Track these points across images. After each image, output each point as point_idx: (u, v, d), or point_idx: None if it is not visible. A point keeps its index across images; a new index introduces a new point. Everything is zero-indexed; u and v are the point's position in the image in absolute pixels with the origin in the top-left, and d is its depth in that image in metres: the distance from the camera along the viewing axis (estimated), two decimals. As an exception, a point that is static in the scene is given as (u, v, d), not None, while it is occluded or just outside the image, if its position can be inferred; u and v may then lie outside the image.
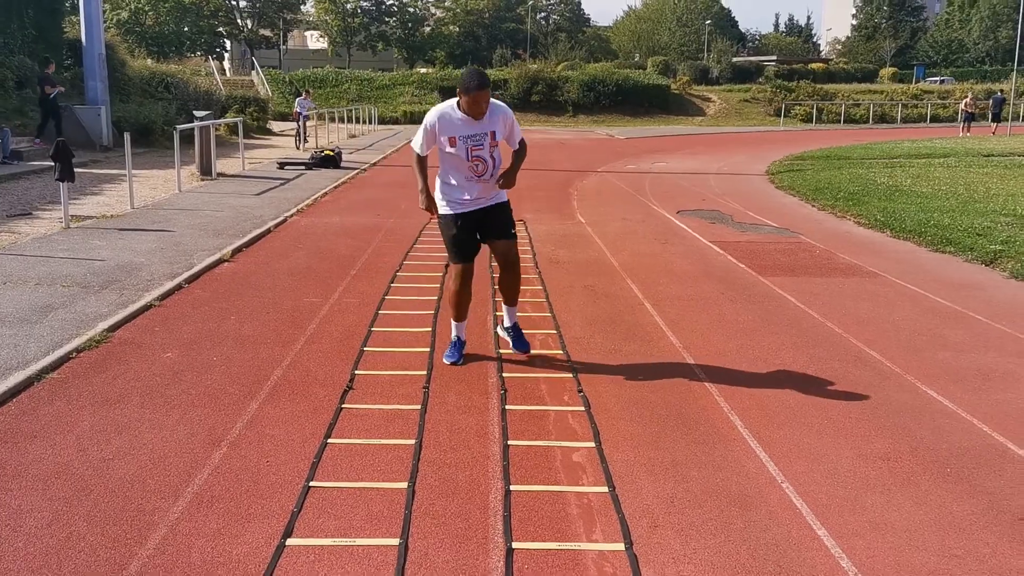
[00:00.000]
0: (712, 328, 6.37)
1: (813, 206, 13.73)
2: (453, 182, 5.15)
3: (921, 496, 3.70)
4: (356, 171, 17.86)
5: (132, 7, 61.62)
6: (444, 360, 5.33)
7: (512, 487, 3.71)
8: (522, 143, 5.33)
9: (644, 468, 3.94)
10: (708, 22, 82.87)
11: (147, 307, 6.47)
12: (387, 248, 9.33)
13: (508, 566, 3.09)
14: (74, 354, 5.31)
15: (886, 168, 19.01)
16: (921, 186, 15.19)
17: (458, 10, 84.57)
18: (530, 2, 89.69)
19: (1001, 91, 42.71)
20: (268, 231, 10.17)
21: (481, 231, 5.24)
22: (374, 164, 20.08)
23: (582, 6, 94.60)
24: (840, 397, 4.92)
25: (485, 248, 5.43)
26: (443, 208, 5.21)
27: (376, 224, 11.03)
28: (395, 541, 3.25)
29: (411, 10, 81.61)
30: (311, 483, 3.71)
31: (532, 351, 5.52)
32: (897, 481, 3.85)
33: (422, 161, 5.24)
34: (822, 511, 3.55)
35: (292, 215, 11.55)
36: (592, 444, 4.20)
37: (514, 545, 3.23)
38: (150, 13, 62.44)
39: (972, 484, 3.83)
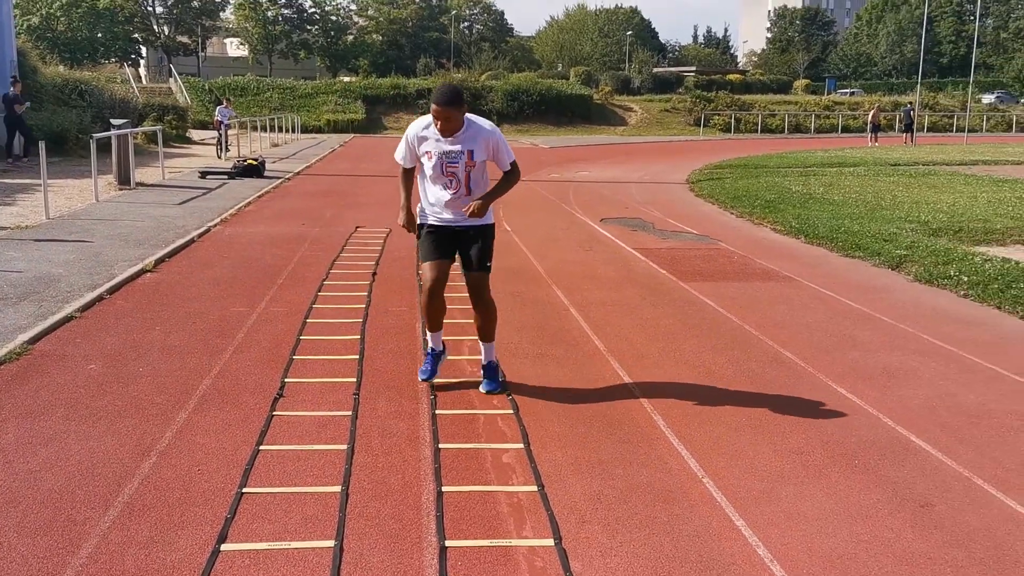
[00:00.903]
0: (635, 332, 6.56)
1: (731, 213, 14.15)
2: (427, 195, 5.00)
3: (831, 487, 3.92)
4: (280, 180, 17.71)
5: (43, 12, 59.81)
6: (419, 376, 5.17)
7: (444, 488, 3.80)
8: (514, 165, 5.03)
9: (571, 467, 4.08)
10: (629, 33, 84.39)
11: (68, 319, 6.37)
12: (312, 257, 9.32)
13: (442, 564, 3.18)
14: (-7, 367, 5.22)
15: (800, 177, 19.67)
16: (833, 194, 15.78)
17: (381, 19, 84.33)
18: (453, 12, 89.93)
19: (909, 103, 44.48)
20: (191, 241, 10.05)
21: (460, 251, 5.05)
22: (298, 173, 19.93)
23: (505, 16, 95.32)
24: (757, 396, 5.15)
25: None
26: (420, 217, 5.08)
27: (301, 234, 10.99)
28: (330, 543, 3.31)
29: (333, 18, 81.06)
30: (244, 489, 3.74)
31: (450, 356, 5.52)
32: (809, 474, 4.06)
33: (407, 174, 5.10)
34: (740, 503, 3.73)
35: (216, 225, 11.42)
36: (521, 445, 4.32)
37: (447, 543, 3.33)
38: (62, 19, 60.64)
39: (878, 475, 4.06)
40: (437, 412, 4.73)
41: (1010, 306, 7.39)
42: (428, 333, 5.20)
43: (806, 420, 4.76)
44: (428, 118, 4.84)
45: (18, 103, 18.34)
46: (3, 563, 3.09)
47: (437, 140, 4.82)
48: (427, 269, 4.98)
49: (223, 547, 3.26)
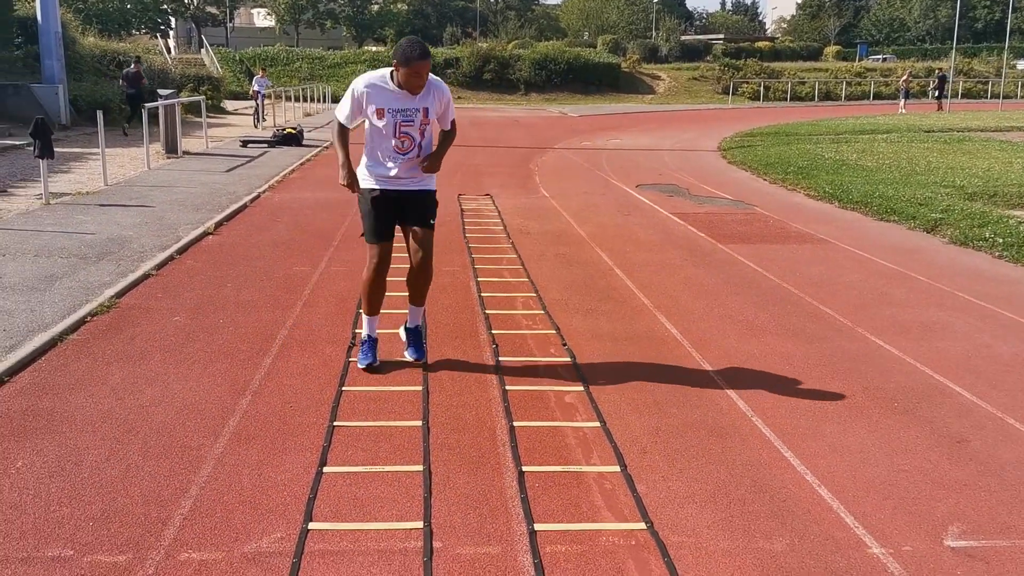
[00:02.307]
0: (679, 290, 6.88)
1: (764, 180, 14.35)
2: (377, 156, 4.72)
3: (872, 425, 4.24)
4: (319, 149, 18.08)
5: (74, -17, 60.29)
6: (358, 364, 4.88)
7: (515, 423, 4.17)
8: (453, 124, 4.86)
9: (630, 406, 4.43)
10: (656, 1, 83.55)
11: (146, 276, 6.79)
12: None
13: (522, 485, 3.55)
14: (88, 318, 5.64)
15: (832, 144, 19.76)
16: (866, 160, 15.91)
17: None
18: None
19: (940, 69, 43.97)
20: (244, 206, 10.45)
21: (400, 216, 4.81)
22: (334, 146, 20.25)
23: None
24: (799, 347, 5.46)
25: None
26: (363, 181, 4.78)
27: (348, 199, 11.33)
28: (419, 467, 3.69)
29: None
30: (335, 423, 4.12)
31: (514, 310, 5.89)
32: (852, 414, 4.39)
33: (344, 132, 4.72)
34: (787, 438, 4.07)
35: (264, 191, 11.82)
36: (581, 388, 4.67)
37: (524, 468, 3.69)
38: (93, -11, 61.07)
39: (916, 415, 4.38)
40: (500, 359, 5.09)
41: (1043, 266, 7.62)
42: (365, 318, 4.93)
43: (846, 368, 5.07)
44: (376, 74, 4.60)
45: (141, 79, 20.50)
46: (134, 481, 3.50)
47: (393, 96, 4.54)
48: (373, 250, 4.77)
49: (325, 469, 3.64)
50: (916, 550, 3.11)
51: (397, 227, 4.88)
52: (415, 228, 4.79)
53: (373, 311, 4.93)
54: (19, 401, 4.30)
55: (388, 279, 4.92)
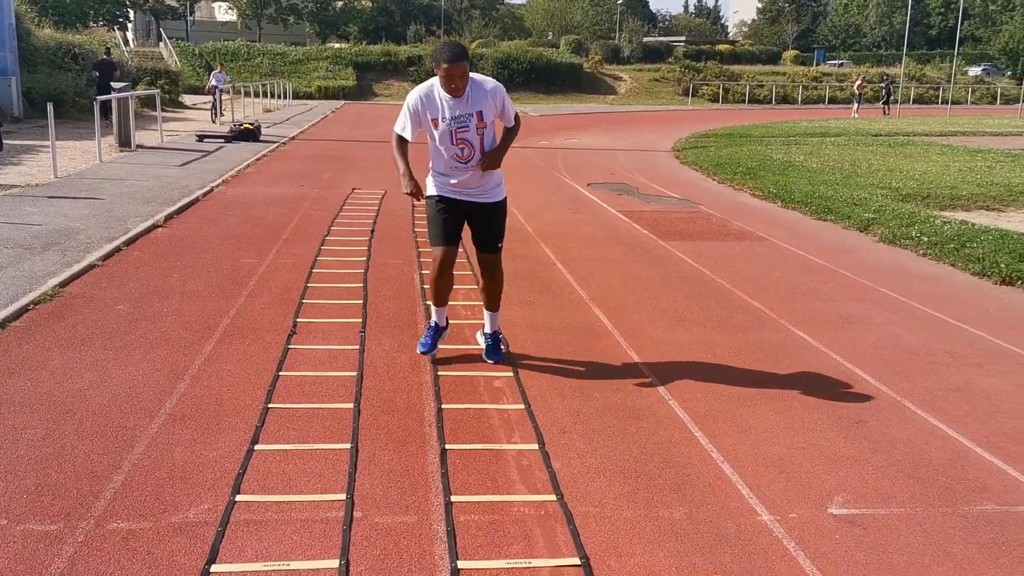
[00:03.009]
0: (616, 283, 7.12)
1: (714, 180, 14.69)
2: (440, 167, 4.76)
3: (780, 408, 4.51)
4: (276, 144, 18.13)
5: (30, -26, 59.33)
6: (418, 349, 5.03)
7: (443, 405, 4.37)
8: (517, 119, 4.85)
9: (555, 391, 4.65)
10: (620, 2, 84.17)
11: (91, 266, 6.88)
12: (314, 216, 9.82)
13: (443, 461, 3.75)
14: (31, 306, 5.74)
15: (783, 145, 20.20)
16: (812, 162, 16.33)
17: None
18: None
19: (885, 75, 44.83)
20: (196, 200, 10.53)
21: (472, 230, 4.91)
22: (293, 138, 20.33)
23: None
24: (722, 336, 5.72)
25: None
26: (430, 189, 4.84)
27: (301, 194, 11.48)
28: (347, 446, 3.87)
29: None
30: (269, 405, 4.30)
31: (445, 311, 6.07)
32: (763, 398, 4.65)
33: (403, 144, 4.74)
34: (700, 420, 4.31)
35: (218, 185, 11.90)
36: (510, 374, 4.88)
37: (447, 446, 3.90)
38: (49, -19, 60.19)
39: (823, 400, 4.65)
40: (437, 347, 5.28)
41: (963, 263, 7.98)
42: (434, 307, 5.03)
43: (764, 356, 5.34)
44: (427, 84, 4.63)
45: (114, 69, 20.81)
46: (68, 458, 3.65)
47: (444, 104, 4.55)
48: (438, 252, 4.80)
49: (256, 447, 3.82)
50: (801, 517, 3.36)
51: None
52: (483, 255, 4.95)
53: (441, 303, 4.99)
54: (-40, 384, 4.42)
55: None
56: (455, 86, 4.45)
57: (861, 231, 9.80)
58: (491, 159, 4.70)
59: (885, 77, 42.81)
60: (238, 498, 3.36)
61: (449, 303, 5.15)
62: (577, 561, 3.02)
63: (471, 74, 4.55)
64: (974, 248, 8.31)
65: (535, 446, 3.95)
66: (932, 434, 4.22)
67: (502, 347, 5.14)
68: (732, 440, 4.08)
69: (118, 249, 7.56)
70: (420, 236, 8.81)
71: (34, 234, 7.87)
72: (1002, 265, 7.64)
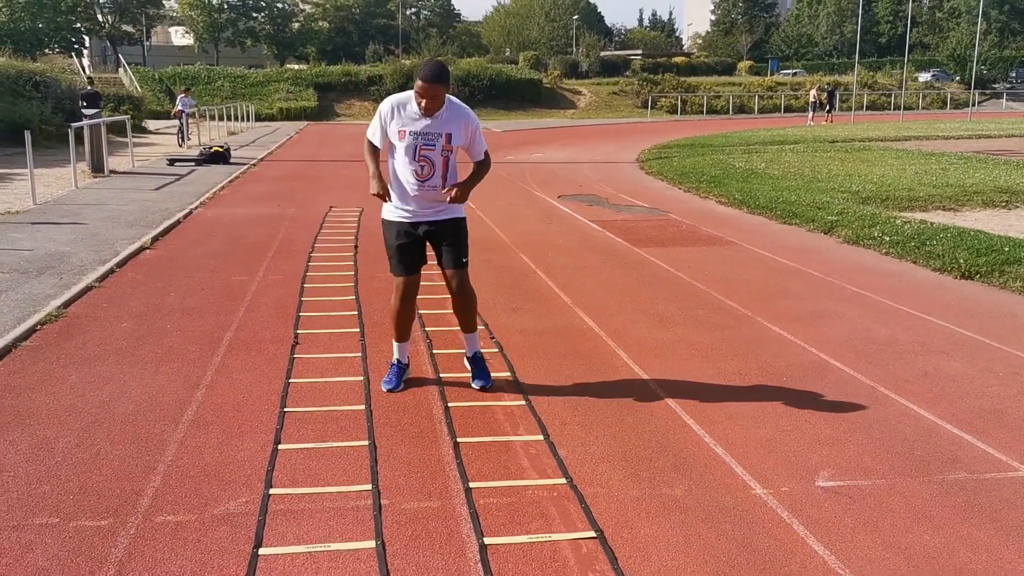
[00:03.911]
0: (596, 288, 7.44)
1: (679, 189, 15.12)
2: (398, 183, 4.67)
3: (763, 395, 4.83)
4: (246, 166, 18.27)
5: (-18, 2, 58.85)
6: (382, 387, 4.86)
7: (450, 404, 4.64)
8: (486, 156, 4.83)
9: (552, 387, 4.94)
10: (576, 17, 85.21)
11: (89, 288, 7.06)
12: (295, 234, 10.04)
13: (457, 454, 4.02)
14: (38, 327, 5.92)
15: (744, 154, 20.73)
16: (773, 169, 16.84)
17: (327, 5, 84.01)
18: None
19: (829, 84, 45.85)
20: (178, 222, 10.70)
21: (434, 249, 4.80)
22: (262, 159, 20.48)
23: (452, 2, 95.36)
24: (702, 334, 6.05)
25: None
26: (387, 212, 4.79)
27: (279, 213, 11.68)
28: (365, 443, 4.13)
29: (280, 5, 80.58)
30: (285, 409, 4.54)
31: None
32: (746, 388, 4.97)
33: (374, 149, 4.72)
34: (690, 409, 4.62)
35: (196, 207, 12.06)
36: (508, 374, 5.16)
37: (459, 440, 4.17)
38: (3, 9, 59.70)
39: (802, 387, 4.98)
40: (435, 351, 5.56)
41: (924, 260, 8.42)
42: (395, 344, 4.92)
43: (744, 350, 5.67)
44: (404, 94, 4.58)
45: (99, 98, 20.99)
46: (104, 463, 3.86)
47: (414, 118, 4.52)
48: (399, 284, 4.78)
49: (280, 447, 4.06)
50: (792, 490, 3.68)
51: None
52: (447, 271, 4.77)
53: (401, 338, 4.90)
54: (-16, 400, 4.61)
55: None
56: (425, 105, 4.42)
57: (825, 233, 10.23)
58: (461, 191, 4.60)
59: (827, 86, 43.79)
60: (272, 491, 3.60)
61: (437, 312, 5.40)
62: (593, 534, 3.30)
63: (453, 99, 4.59)
64: (934, 246, 8.75)
65: (540, 437, 4.23)
66: (905, 414, 4.56)
67: (487, 369, 5.01)
68: (722, 426, 4.39)
69: (112, 271, 7.73)
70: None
71: (27, 259, 8.01)
72: (961, 260, 8.07)
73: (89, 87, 22.97)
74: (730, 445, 4.14)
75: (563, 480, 3.75)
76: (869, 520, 3.42)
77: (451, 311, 5.01)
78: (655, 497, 3.61)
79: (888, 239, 9.25)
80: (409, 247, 4.72)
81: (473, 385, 4.92)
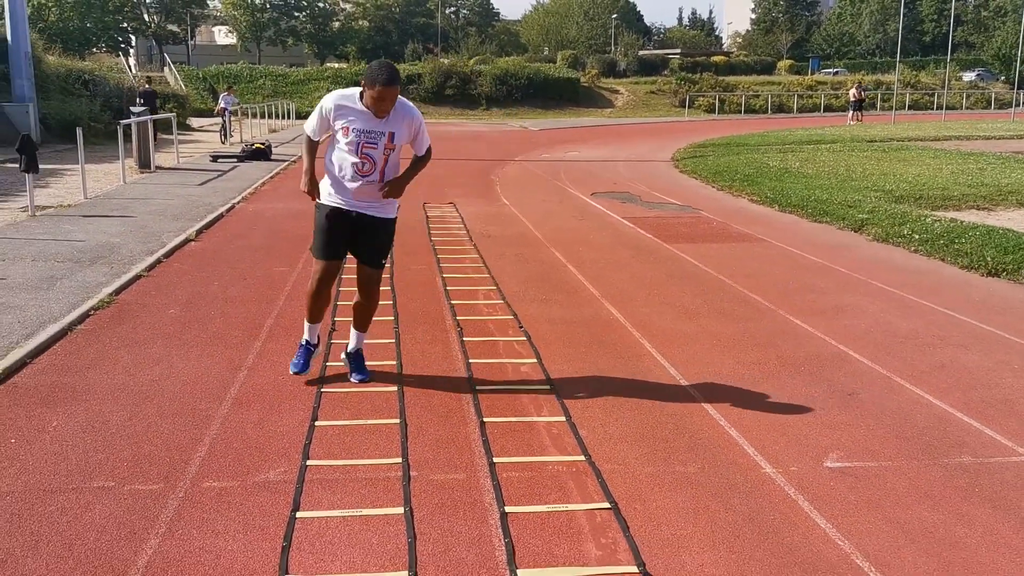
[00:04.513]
0: (625, 282, 7.63)
1: (713, 187, 15.22)
2: (337, 173, 4.71)
3: (780, 384, 5.00)
4: (286, 163, 18.68)
5: (35, 3, 60.23)
6: (291, 369, 4.95)
7: (478, 387, 4.87)
8: (428, 152, 4.91)
9: (576, 374, 5.15)
10: (614, 16, 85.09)
11: (138, 276, 7.39)
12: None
13: (483, 433, 4.25)
14: (92, 312, 6.25)
15: (779, 153, 20.74)
16: (808, 168, 16.86)
17: (368, 5, 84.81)
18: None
19: (858, 82, 45.32)
20: (221, 215, 11.06)
21: (355, 244, 4.83)
22: (301, 156, 20.86)
23: (491, 1, 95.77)
24: (726, 325, 6.22)
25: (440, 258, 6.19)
26: (323, 197, 4.81)
27: (319, 209, 11.99)
28: (396, 421, 4.37)
29: (321, 5, 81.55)
30: (322, 389, 4.80)
31: (479, 299, 6.60)
32: (764, 375, 5.14)
33: (312, 144, 4.88)
34: (707, 394, 4.81)
35: (239, 202, 12.43)
36: (534, 360, 5.38)
37: (485, 419, 4.39)
38: (53, 9, 61.14)
39: (818, 376, 5.14)
40: (464, 339, 5.79)
41: (952, 258, 8.49)
42: (307, 324, 4.96)
43: (765, 341, 5.84)
44: (346, 92, 4.65)
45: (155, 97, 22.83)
46: (156, 434, 4.14)
47: (359, 115, 4.56)
48: (319, 266, 4.81)
49: (317, 423, 4.32)
50: (800, 470, 3.86)
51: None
52: (364, 267, 4.85)
53: (314, 319, 4.95)
54: (43, 378, 4.93)
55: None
56: (385, 108, 4.48)
57: (855, 231, 10.31)
58: (394, 187, 4.68)
59: (866, 86, 43.28)
60: (308, 462, 3.86)
61: (467, 302, 5.63)
62: (607, 505, 3.51)
63: (400, 98, 4.60)
64: (962, 243, 8.82)
65: (562, 418, 4.44)
66: (918, 403, 4.71)
67: (365, 365, 5.03)
68: (737, 410, 4.57)
69: (159, 261, 8.07)
70: (437, 244, 9.33)
71: (79, 249, 8.39)
72: (988, 258, 8.14)
73: (147, 85, 23.88)
74: (744, 428, 4.32)
75: (582, 457, 3.97)
76: (872, 498, 3.59)
77: (479, 301, 5.23)
78: (668, 474, 3.81)
79: (917, 237, 9.32)
80: (336, 231, 4.74)
81: (352, 379, 4.94)
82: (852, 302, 6.94)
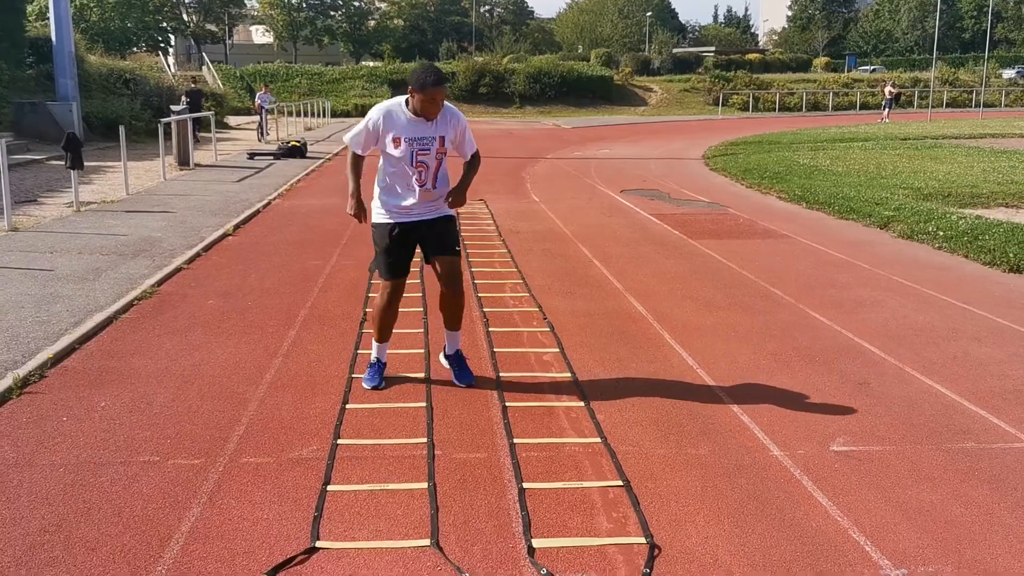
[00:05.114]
0: (649, 277, 7.80)
1: (742, 185, 15.31)
2: (392, 188, 4.69)
3: (793, 373, 5.17)
4: (322, 160, 19.04)
5: (77, 3, 61.44)
6: (364, 384, 4.86)
7: (502, 374, 5.08)
8: (475, 155, 4.85)
9: (597, 363, 5.34)
10: (649, 14, 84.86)
11: (178, 269, 7.71)
12: (367, 224, 10.58)
13: (505, 416, 4.46)
14: (136, 302, 6.56)
15: (810, 151, 20.74)
16: (837, 166, 16.88)
17: (403, 3, 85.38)
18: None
19: (893, 81, 44.94)
20: (258, 211, 11.39)
21: (423, 247, 4.82)
22: (337, 154, 21.23)
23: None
24: (745, 318, 6.38)
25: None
26: (378, 216, 4.76)
27: (352, 205, 12.28)
28: (423, 404, 4.60)
29: (356, 4, 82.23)
30: (353, 376, 5.04)
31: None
32: (779, 366, 5.31)
33: (357, 161, 4.77)
34: (722, 382, 4.98)
35: (274, 198, 12.76)
36: (557, 350, 5.58)
37: (507, 404, 4.61)
38: (95, 8, 62.31)
39: (832, 367, 5.30)
40: (490, 330, 6.01)
41: (975, 254, 8.56)
42: (376, 344, 4.94)
43: (782, 333, 5.99)
44: (392, 103, 4.61)
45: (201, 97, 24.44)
46: (196, 415, 4.41)
47: (409, 123, 4.53)
48: (387, 286, 4.80)
49: (347, 406, 4.56)
50: (807, 453, 4.03)
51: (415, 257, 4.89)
52: (441, 257, 4.76)
53: (382, 339, 4.92)
54: (91, 362, 5.22)
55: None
56: (436, 109, 4.47)
57: (881, 228, 10.39)
58: (456, 196, 4.68)
59: (895, 84, 42.88)
60: (339, 441, 4.10)
61: (494, 295, 5.84)
62: (620, 483, 3.71)
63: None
64: (986, 240, 8.88)
65: (581, 403, 4.65)
66: (927, 392, 4.85)
67: (467, 366, 4.99)
68: (751, 397, 4.75)
69: (198, 255, 8.38)
70: (467, 240, 9.56)
71: (122, 243, 8.73)
72: (1010, 254, 8.20)
73: (193, 85, 24.65)
74: (755, 414, 4.50)
75: (598, 439, 4.17)
76: (874, 480, 3.75)
77: (506, 294, 5.43)
78: (680, 455, 4.00)
79: (942, 233, 9.39)
80: (400, 249, 4.74)
81: (459, 383, 4.89)
82: (871, 296, 7.06)
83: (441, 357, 5.08)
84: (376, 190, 4.77)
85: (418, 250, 4.92)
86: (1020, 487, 3.69)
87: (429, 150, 4.56)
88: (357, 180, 4.76)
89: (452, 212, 4.84)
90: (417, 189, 4.62)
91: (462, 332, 5.05)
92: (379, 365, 4.95)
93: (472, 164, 4.83)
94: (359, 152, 4.73)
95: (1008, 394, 4.81)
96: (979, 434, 4.26)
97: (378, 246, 4.82)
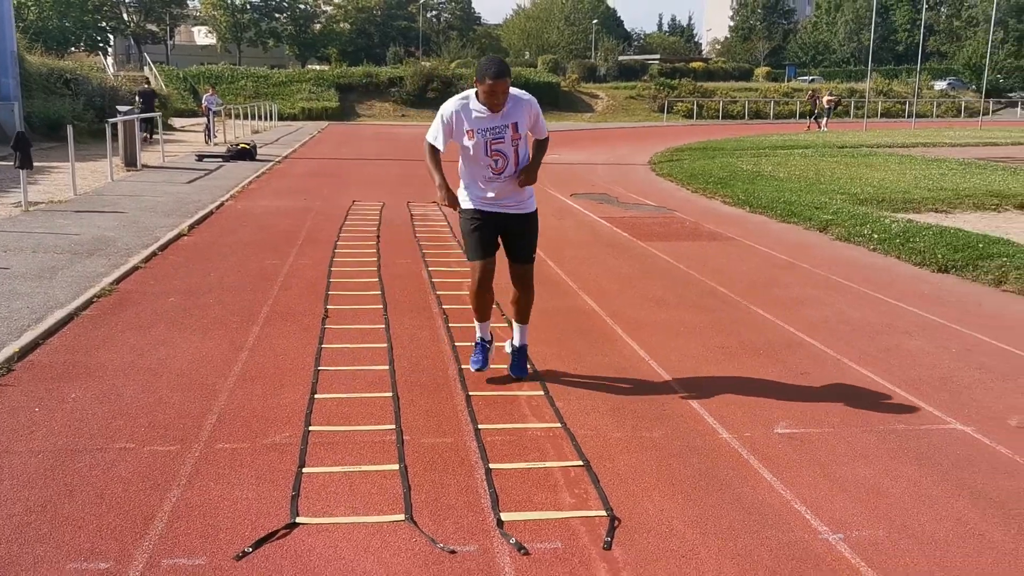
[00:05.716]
0: (601, 276, 8.08)
1: (688, 189, 15.73)
2: (473, 179, 4.84)
3: (740, 364, 5.46)
4: (271, 163, 19.02)
5: (15, 1, 60.09)
6: (471, 367, 5.14)
7: (463, 366, 5.29)
8: (547, 138, 5.00)
9: (554, 356, 5.58)
10: (595, 21, 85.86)
11: (135, 268, 7.76)
12: (321, 225, 10.72)
13: (469, 405, 4.67)
14: (95, 299, 6.61)
15: (753, 158, 21.30)
16: (779, 172, 17.42)
17: (349, 7, 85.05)
18: (421, 0, 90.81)
19: (812, 91, 46.35)
20: (211, 212, 11.42)
21: (504, 242, 5.02)
22: (286, 157, 21.24)
23: (472, 4, 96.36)
24: (693, 314, 6.68)
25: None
26: (464, 202, 4.92)
27: (305, 207, 12.39)
28: (389, 394, 4.78)
29: (302, 7, 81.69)
30: (319, 368, 5.20)
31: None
32: (726, 357, 5.60)
33: (436, 155, 4.85)
34: (673, 373, 5.25)
35: (227, 200, 12.78)
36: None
37: (471, 393, 4.82)
38: (32, 7, 61.00)
39: (775, 358, 5.61)
40: (450, 325, 6.21)
41: (907, 255, 9.01)
42: (477, 323, 5.16)
43: (729, 328, 6.30)
44: (462, 95, 4.73)
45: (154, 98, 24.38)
46: (167, 406, 4.53)
47: (478, 116, 4.65)
48: (476, 267, 4.94)
49: (316, 396, 4.72)
50: (753, 435, 4.31)
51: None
52: (516, 264, 5.04)
53: (482, 317, 5.11)
54: (57, 356, 5.30)
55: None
56: (498, 101, 4.56)
57: (820, 231, 10.82)
58: (527, 174, 4.81)
59: (814, 93, 44.18)
60: (311, 428, 4.27)
61: (452, 293, 6.04)
62: (580, 463, 3.94)
63: (511, 88, 4.65)
64: (917, 243, 9.34)
65: (541, 393, 4.88)
66: (862, 380, 5.18)
67: (527, 365, 5.21)
68: (700, 386, 5.02)
69: (154, 254, 8.43)
70: (422, 240, 9.74)
71: (76, 242, 8.73)
72: (939, 255, 8.66)
73: (146, 85, 24.54)
74: (705, 401, 4.77)
75: (558, 424, 4.40)
76: (814, 458, 4.05)
77: (463, 292, 5.62)
78: (636, 438, 4.25)
79: (877, 236, 9.84)
80: (485, 232, 4.88)
81: (511, 374, 5.09)
82: (812, 295, 7.42)
83: (507, 346, 5.26)
84: (460, 183, 4.98)
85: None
86: (943, 463, 4.01)
87: (503, 138, 4.69)
88: (440, 171, 4.88)
89: (534, 208, 5.05)
90: (496, 179, 4.78)
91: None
92: (482, 344, 5.17)
93: (541, 145, 4.97)
94: (436, 146, 4.84)
95: (935, 381, 5.16)
96: (908, 418, 4.59)
97: (464, 230, 5.00)
